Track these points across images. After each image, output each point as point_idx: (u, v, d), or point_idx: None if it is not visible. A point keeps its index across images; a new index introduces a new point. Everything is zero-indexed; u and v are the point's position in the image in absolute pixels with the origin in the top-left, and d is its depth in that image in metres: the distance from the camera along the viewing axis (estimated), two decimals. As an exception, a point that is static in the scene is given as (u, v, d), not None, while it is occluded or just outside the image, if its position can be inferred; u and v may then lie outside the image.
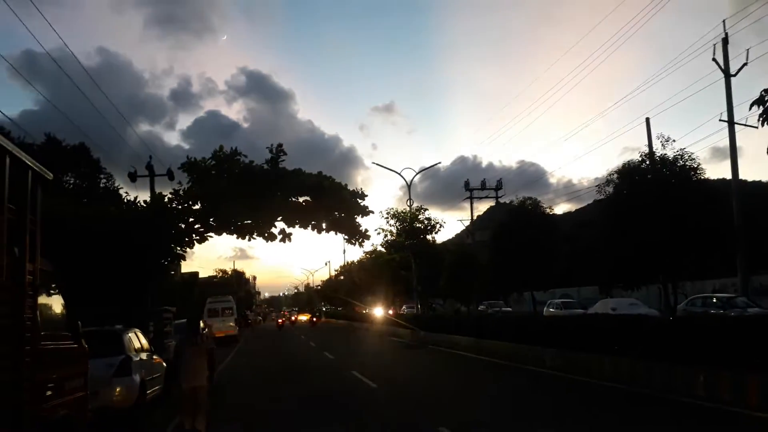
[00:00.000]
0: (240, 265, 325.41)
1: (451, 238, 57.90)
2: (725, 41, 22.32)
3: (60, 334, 6.37)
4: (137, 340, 12.02)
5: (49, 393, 5.63)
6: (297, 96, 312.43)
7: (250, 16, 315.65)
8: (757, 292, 24.35)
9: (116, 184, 38.14)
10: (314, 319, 70.83)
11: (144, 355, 11.83)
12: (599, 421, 8.53)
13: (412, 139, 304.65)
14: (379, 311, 44.59)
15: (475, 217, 47.98)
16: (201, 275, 70.52)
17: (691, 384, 9.89)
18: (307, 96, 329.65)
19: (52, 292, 6.43)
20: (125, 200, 22.77)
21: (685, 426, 8.05)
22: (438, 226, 35.66)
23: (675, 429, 7.96)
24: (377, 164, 73.75)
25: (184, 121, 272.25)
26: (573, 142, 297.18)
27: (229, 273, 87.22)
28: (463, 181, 45.97)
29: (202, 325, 29.34)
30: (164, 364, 13.38)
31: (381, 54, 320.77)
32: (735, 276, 22.91)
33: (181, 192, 18.84)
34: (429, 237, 36.24)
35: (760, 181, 62.11)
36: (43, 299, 5.96)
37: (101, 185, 37.38)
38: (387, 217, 35.47)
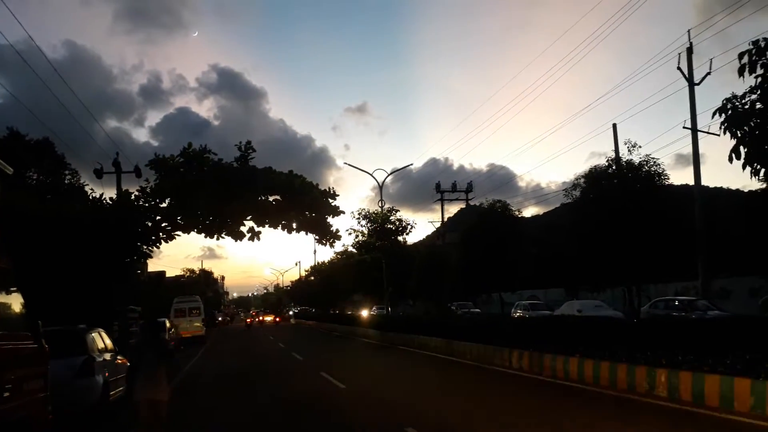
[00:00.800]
0: (208, 265, 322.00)
1: (422, 239, 58.09)
2: (690, 51, 22.91)
3: (19, 334, 6.20)
4: (101, 340, 11.78)
5: (6, 394, 5.48)
6: (269, 95, 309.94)
7: (222, 12, 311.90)
8: (718, 296, 25.02)
9: (81, 181, 37.28)
10: (277, 318, 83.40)
11: (108, 356, 11.61)
12: (563, 421, 8.65)
13: (385, 140, 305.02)
14: (349, 312, 44.54)
15: (445, 219, 48.24)
16: (168, 275, 69.59)
17: (653, 385, 10.12)
18: (279, 95, 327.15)
19: (10, 290, 6.26)
20: (91, 197, 22.25)
21: (643, 425, 8.22)
22: (409, 227, 35.85)
23: (633, 428, 8.12)
24: (349, 164, 74.25)
25: (154, 117, 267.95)
26: (542, 146, 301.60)
27: (197, 272, 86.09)
28: (434, 183, 46.21)
29: (168, 324, 29.01)
30: (129, 364, 13.15)
31: (354, 55, 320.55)
32: (697, 279, 23.52)
33: (148, 189, 18.49)
34: (400, 238, 36.37)
35: (721, 188, 63.80)
36: (0, 297, 5.80)
37: (66, 181, 36.47)
38: (358, 218, 35.52)
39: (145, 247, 19.53)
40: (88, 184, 36.71)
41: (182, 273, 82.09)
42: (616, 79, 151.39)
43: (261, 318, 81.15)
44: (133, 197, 19.10)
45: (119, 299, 21.43)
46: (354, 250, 43.13)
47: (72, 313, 15.95)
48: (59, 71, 16.70)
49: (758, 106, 9.55)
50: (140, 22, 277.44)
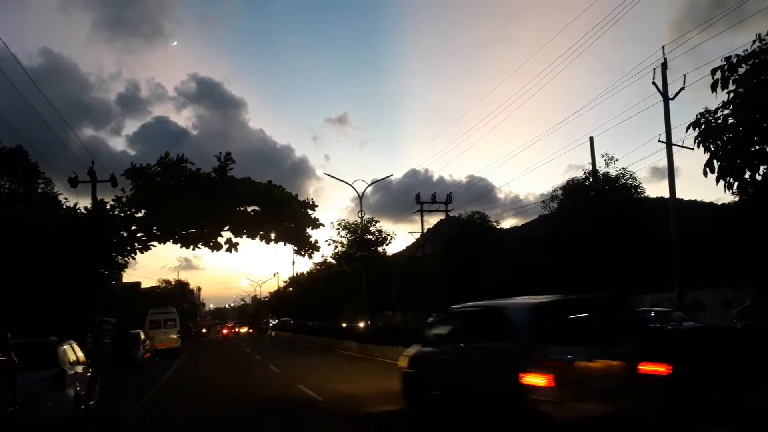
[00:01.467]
0: (185, 276, 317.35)
1: (401, 250, 58.03)
2: (664, 66, 23.36)
3: (-14, 346, 6.02)
4: (72, 352, 11.53)
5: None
6: (249, 105, 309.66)
7: (203, 22, 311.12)
8: (692, 307, 25.36)
9: (55, 190, 36.56)
10: (251, 330, 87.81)
11: (80, 369, 11.35)
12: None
13: (365, 151, 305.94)
14: (328, 323, 44.21)
15: (425, 230, 48.32)
16: (144, 285, 68.64)
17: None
18: (259, 105, 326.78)
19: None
20: (65, 206, 21.83)
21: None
22: (389, 238, 35.75)
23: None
24: (329, 175, 73.99)
25: (131, 126, 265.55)
26: (520, 158, 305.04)
27: (173, 283, 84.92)
28: (414, 194, 46.27)
29: (143, 336, 28.46)
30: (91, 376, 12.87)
31: (335, 66, 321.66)
32: (672, 291, 23.82)
33: (123, 199, 18.21)
34: (380, 249, 36.28)
35: (695, 200, 65.01)
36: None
37: (39, 190, 35.74)
38: (338, 229, 35.33)
39: (120, 257, 19.22)
40: (62, 194, 35.99)
41: (158, 284, 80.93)
42: (593, 93, 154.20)
43: (237, 329, 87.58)
44: (108, 207, 18.80)
45: (93, 310, 21.01)
46: (333, 261, 42.93)
47: (43, 325, 15.60)
48: (35, 79, 16.47)
49: (731, 120, 9.75)
50: (119, 30, 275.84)
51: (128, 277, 55.42)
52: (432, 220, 61.92)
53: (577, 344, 7.27)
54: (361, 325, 41.75)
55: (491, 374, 7.80)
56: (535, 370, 6.88)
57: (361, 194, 35.40)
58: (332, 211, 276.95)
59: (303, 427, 10.06)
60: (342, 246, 35.64)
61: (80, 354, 12.05)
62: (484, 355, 8.15)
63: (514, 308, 8.15)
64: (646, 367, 7.35)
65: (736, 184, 9.78)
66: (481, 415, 8.01)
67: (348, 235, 34.23)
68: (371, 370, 20.19)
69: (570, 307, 8.04)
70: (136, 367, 7.06)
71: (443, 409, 8.87)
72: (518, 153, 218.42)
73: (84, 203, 23.19)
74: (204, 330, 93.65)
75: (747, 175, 9.64)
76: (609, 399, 7.07)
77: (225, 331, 78.78)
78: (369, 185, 47.47)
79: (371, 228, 34.36)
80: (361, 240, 33.55)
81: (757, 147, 9.51)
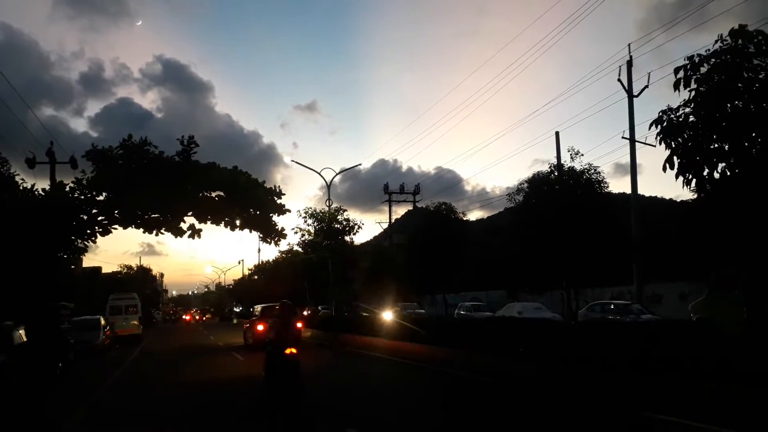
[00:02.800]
0: (147, 261, 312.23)
1: (369, 240, 58.08)
2: (629, 64, 23.79)
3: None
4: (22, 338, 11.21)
5: None
6: (216, 89, 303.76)
7: (170, 3, 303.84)
8: (650, 300, 26.06)
9: (12, 171, 35.40)
10: (210, 317, 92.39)
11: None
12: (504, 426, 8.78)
13: (334, 140, 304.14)
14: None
15: (393, 220, 48.45)
16: (105, 270, 67.27)
17: (588, 385, 10.42)
18: (226, 89, 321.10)
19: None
20: (21, 187, 21.13)
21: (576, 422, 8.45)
22: (356, 227, 35.66)
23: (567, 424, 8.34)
24: (296, 162, 73.17)
25: (94, 107, 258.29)
26: (488, 151, 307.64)
27: (135, 269, 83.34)
28: (382, 184, 46.30)
29: (103, 322, 27.88)
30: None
31: (305, 52, 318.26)
32: (631, 284, 24.43)
33: (84, 181, 17.75)
34: (347, 238, 36.18)
35: (656, 197, 66.61)
36: None
37: (-6, 170, 34.57)
38: (305, 217, 35.08)
39: (79, 241, 18.75)
40: (18, 174, 34.89)
41: (119, 269, 79.38)
42: (559, 88, 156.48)
43: (198, 316, 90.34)
44: (67, 189, 18.29)
45: (51, 295, 20.47)
46: (300, 249, 42.67)
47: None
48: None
49: (691, 118, 9.98)
50: (83, 8, 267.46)
51: (89, 261, 54.31)
52: (400, 211, 62.26)
53: None
54: (306, 312, 41.72)
55: None
56: None
57: (329, 183, 35.25)
58: (300, 199, 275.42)
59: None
60: (309, 234, 35.45)
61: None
62: None
63: None
64: None
65: (694, 180, 10.03)
66: None
67: (315, 224, 34.04)
68: (336, 359, 20.19)
69: None
70: (69, 347, 6.11)
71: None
72: (486, 146, 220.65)
73: (42, 185, 22.53)
74: (167, 317, 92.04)
75: (705, 172, 9.90)
76: None
77: (188, 318, 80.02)
78: (337, 174, 46.99)
79: (339, 217, 34.23)
80: (329, 229, 33.39)
81: (716, 145, 9.76)
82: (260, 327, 21.22)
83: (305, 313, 43.03)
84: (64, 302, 21.58)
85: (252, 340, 22.75)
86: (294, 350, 8.16)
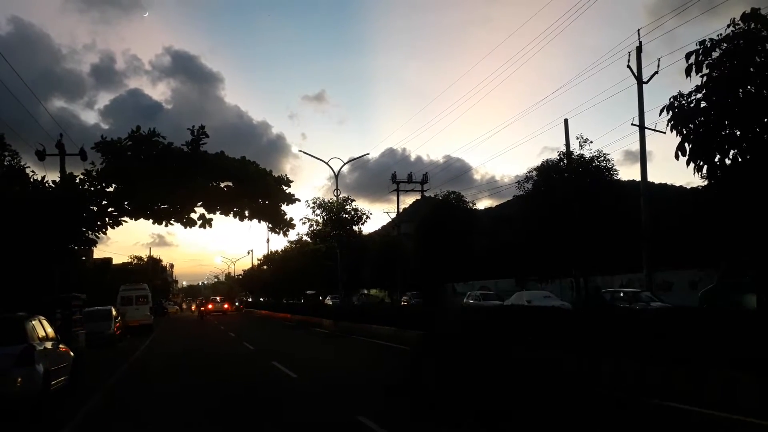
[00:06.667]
0: (157, 252, 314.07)
1: (377, 229, 58.10)
2: (639, 50, 23.54)
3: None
4: (41, 328, 11.33)
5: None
6: (226, 80, 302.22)
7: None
8: (660, 288, 25.96)
9: (22, 163, 35.60)
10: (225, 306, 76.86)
11: (49, 344, 11.17)
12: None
13: (343, 130, 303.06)
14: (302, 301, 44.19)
15: (401, 210, 48.38)
16: (115, 262, 67.76)
17: (596, 373, 10.41)
18: (235, 80, 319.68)
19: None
20: (32, 179, 21.23)
21: (580, 412, 8.47)
22: (365, 217, 35.71)
23: (571, 414, 8.36)
24: (304, 152, 72.94)
25: (104, 99, 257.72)
26: (496, 139, 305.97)
27: (145, 260, 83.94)
28: (390, 174, 46.20)
29: (114, 313, 28.10)
30: (72, 353, 12.71)
31: (313, 42, 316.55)
32: (641, 271, 24.33)
33: (94, 173, 17.81)
34: (355, 228, 36.25)
35: (666, 184, 66.20)
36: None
37: (5, 163, 34.78)
38: (313, 207, 35.17)
39: (90, 232, 18.85)
40: (29, 166, 35.11)
41: (130, 260, 79.99)
42: (568, 75, 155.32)
43: (211, 306, 73.11)
44: (77, 181, 18.37)
45: (64, 286, 20.66)
46: (308, 239, 42.79)
47: (11, 300, 15.29)
48: (3, 49, 15.91)
49: (703, 104, 9.89)
50: (94, 0, 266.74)
51: (100, 253, 54.73)
52: (408, 200, 62.10)
53: None
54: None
55: None
56: None
57: (337, 173, 35.26)
58: (308, 189, 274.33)
59: (278, 403, 10.12)
60: (317, 224, 35.55)
61: (50, 330, 11.85)
62: None
63: None
64: None
65: (705, 167, 9.95)
66: None
67: (323, 214, 34.11)
68: (345, 348, 20.29)
69: None
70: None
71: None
72: (495, 134, 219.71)
73: (52, 177, 22.65)
74: (177, 308, 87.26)
75: (717, 158, 9.81)
76: None
77: (203, 309, 63.79)
78: (345, 164, 47.19)
79: (347, 207, 34.28)
80: (337, 218, 33.46)
81: (728, 131, 9.68)
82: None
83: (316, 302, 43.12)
84: (75, 293, 21.79)
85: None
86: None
